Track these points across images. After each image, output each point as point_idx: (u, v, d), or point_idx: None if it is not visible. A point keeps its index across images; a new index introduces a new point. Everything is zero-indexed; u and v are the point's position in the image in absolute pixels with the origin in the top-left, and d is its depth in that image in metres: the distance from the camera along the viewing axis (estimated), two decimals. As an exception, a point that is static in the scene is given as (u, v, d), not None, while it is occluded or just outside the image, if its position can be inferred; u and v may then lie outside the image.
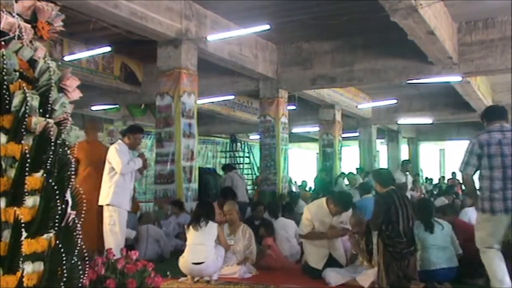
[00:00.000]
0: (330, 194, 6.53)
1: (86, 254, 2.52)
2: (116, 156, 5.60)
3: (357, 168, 15.42)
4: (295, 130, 17.59)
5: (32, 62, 2.41)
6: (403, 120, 17.24)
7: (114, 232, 5.54)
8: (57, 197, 2.25)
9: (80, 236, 2.45)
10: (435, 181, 19.15)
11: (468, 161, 4.28)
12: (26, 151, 2.18)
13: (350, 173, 13.59)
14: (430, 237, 5.12)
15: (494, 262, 4.25)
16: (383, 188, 5.08)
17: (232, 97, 13.55)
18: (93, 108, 13.37)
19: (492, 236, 4.26)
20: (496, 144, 4.17)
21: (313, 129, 16.72)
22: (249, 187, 14.84)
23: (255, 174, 18.14)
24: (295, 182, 17.58)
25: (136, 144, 5.93)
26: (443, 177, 20.32)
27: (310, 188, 15.91)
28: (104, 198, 5.60)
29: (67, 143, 2.45)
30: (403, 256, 4.76)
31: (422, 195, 12.00)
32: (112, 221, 5.55)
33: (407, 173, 11.18)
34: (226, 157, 20.01)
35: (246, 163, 19.78)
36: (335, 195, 6.00)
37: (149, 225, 7.19)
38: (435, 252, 5.10)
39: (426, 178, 20.09)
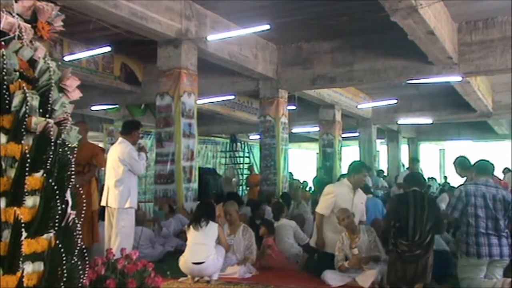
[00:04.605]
0: None
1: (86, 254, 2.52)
2: (137, 157, 5.51)
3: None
4: (295, 130, 17.56)
5: (32, 62, 2.41)
6: (403, 120, 17.24)
7: (128, 234, 5.48)
8: (57, 197, 2.25)
9: (80, 236, 2.44)
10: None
11: (456, 206, 4.84)
12: (26, 151, 2.18)
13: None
14: None
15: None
16: (406, 190, 5.10)
17: (232, 97, 13.53)
18: (93, 108, 13.35)
19: (476, 277, 4.72)
20: (481, 197, 4.74)
21: (313, 129, 16.70)
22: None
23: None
24: (297, 180, 17.47)
25: (137, 140, 5.84)
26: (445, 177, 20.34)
27: (310, 188, 15.87)
28: (124, 201, 5.42)
29: (67, 143, 2.45)
30: (404, 259, 4.63)
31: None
32: (129, 223, 5.47)
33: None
34: (226, 157, 20.00)
35: (246, 163, 19.77)
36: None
37: (144, 227, 6.92)
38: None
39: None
